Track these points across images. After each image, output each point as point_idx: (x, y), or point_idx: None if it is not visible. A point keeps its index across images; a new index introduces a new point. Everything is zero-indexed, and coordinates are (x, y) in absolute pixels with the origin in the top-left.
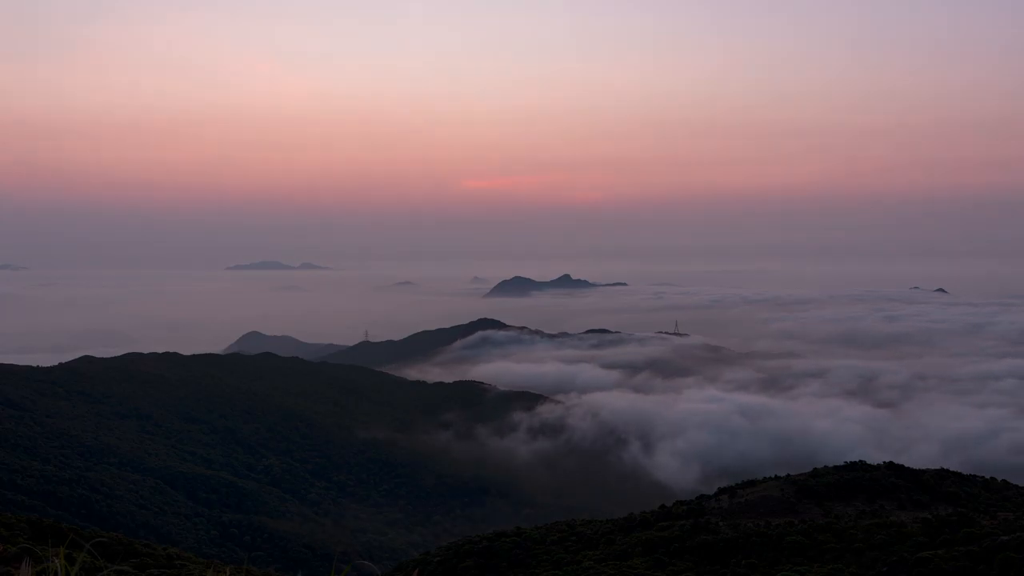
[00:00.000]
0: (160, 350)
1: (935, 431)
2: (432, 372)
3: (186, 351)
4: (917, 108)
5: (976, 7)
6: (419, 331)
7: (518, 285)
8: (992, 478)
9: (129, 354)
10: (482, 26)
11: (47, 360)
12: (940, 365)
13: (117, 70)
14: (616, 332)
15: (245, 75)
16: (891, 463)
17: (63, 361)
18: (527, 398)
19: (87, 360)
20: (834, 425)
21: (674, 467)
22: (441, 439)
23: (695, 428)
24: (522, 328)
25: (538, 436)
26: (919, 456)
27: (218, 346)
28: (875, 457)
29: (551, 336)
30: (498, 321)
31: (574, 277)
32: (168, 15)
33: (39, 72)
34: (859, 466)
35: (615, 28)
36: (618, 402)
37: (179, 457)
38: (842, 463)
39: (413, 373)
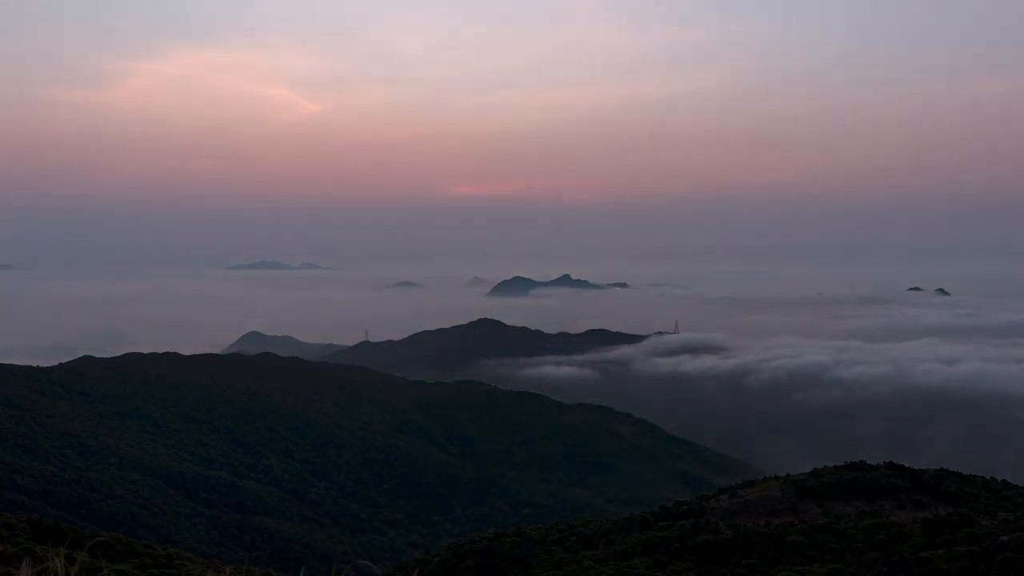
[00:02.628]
0: (160, 350)
1: None
2: (432, 372)
3: (186, 351)
4: (919, 108)
5: (979, 9)
6: (419, 331)
7: (518, 285)
8: (992, 478)
9: (129, 354)
10: (482, 44)
11: (47, 360)
12: None
13: (133, 93)
14: (616, 332)
15: (257, 97)
16: (891, 463)
17: (63, 361)
18: (527, 398)
19: (87, 360)
20: None
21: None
22: (441, 439)
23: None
24: (522, 328)
25: (538, 437)
26: None
27: (218, 346)
28: None
29: (551, 336)
30: (498, 321)
31: (574, 277)
32: (187, 51)
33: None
34: (859, 466)
35: (623, 38)
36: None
37: (179, 457)
38: (842, 463)
39: (413, 373)
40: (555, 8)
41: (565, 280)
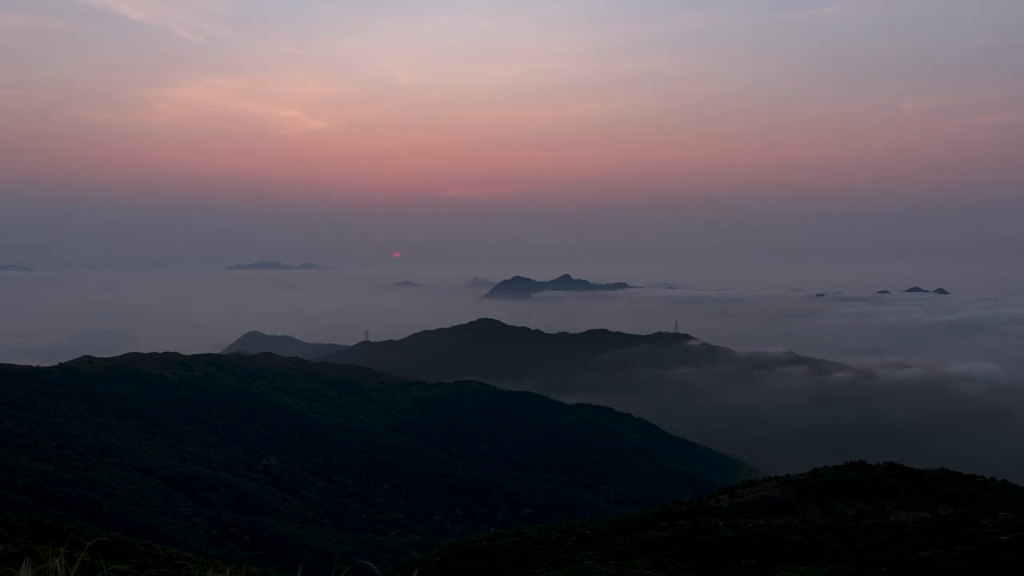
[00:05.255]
0: (160, 350)
1: None
2: (432, 372)
3: (186, 351)
4: (919, 107)
5: (986, 11)
6: (419, 331)
7: (518, 285)
8: (992, 478)
9: (129, 354)
10: (465, 73)
11: (47, 360)
12: None
13: (157, 113)
14: (616, 332)
15: (267, 116)
16: (891, 463)
17: (63, 361)
18: (527, 398)
19: (87, 360)
20: None
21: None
22: (441, 439)
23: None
24: (522, 328)
25: (538, 437)
26: None
27: (218, 346)
28: None
29: (551, 336)
30: (498, 321)
31: (574, 277)
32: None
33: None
34: (859, 466)
35: (621, 41)
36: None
37: (179, 457)
38: (842, 463)
39: (413, 373)
40: (525, 44)
41: (565, 280)
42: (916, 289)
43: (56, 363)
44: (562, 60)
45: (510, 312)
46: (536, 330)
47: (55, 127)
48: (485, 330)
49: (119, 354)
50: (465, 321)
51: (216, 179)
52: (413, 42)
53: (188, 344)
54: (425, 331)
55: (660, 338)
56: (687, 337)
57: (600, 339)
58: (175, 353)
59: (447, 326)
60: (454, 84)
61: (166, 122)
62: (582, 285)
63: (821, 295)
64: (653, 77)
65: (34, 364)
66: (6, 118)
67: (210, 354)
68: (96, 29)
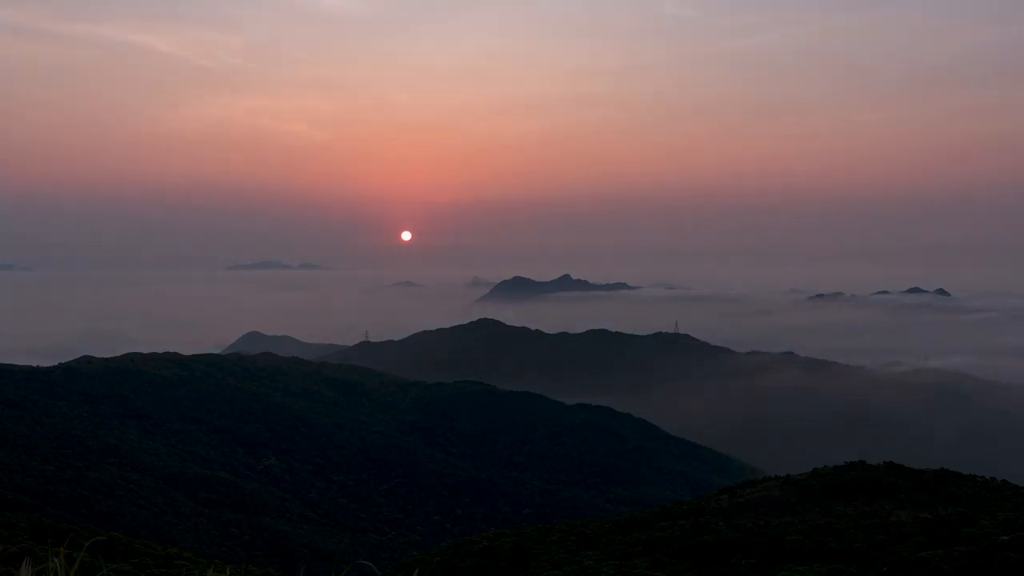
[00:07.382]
0: (160, 350)
1: None
2: (432, 372)
3: (186, 351)
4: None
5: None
6: (419, 331)
7: (518, 285)
8: (992, 478)
9: (129, 354)
10: (460, 92)
11: (47, 360)
12: None
13: (169, 126)
14: (616, 332)
15: (273, 130)
16: (891, 463)
17: (63, 361)
18: (527, 398)
19: (87, 360)
20: None
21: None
22: (441, 439)
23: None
24: (522, 328)
25: (538, 437)
26: None
27: (218, 346)
28: None
29: (551, 336)
30: (498, 321)
31: (574, 277)
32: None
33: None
34: (859, 466)
35: (619, 39)
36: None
37: (179, 457)
38: (842, 463)
39: (413, 373)
40: (523, 57)
41: (565, 280)
42: (916, 289)
43: (56, 363)
44: (560, 67)
45: (510, 312)
46: (536, 330)
47: (69, 136)
48: (485, 330)
49: (119, 354)
50: (465, 321)
51: (218, 183)
52: (410, 63)
53: (188, 344)
54: (425, 331)
55: (660, 338)
56: (687, 337)
57: (600, 339)
58: (175, 353)
59: (447, 326)
60: (453, 99)
61: (174, 134)
62: (582, 285)
63: (820, 295)
64: (650, 80)
65: (34, 364)
66: (28, 128)
67: (210, 354)
68: (129, 59)
